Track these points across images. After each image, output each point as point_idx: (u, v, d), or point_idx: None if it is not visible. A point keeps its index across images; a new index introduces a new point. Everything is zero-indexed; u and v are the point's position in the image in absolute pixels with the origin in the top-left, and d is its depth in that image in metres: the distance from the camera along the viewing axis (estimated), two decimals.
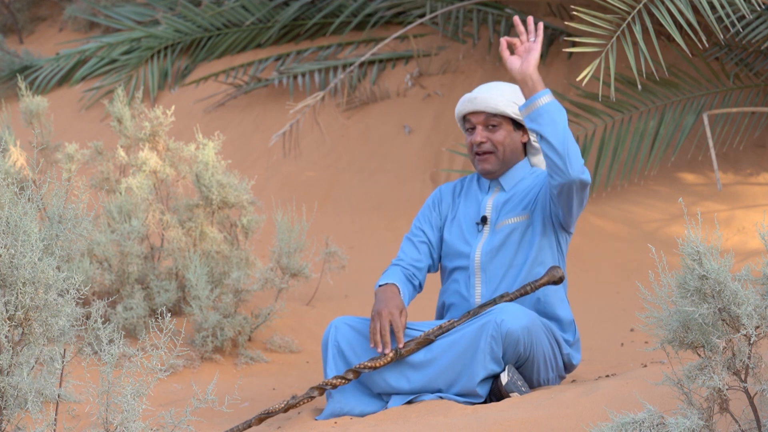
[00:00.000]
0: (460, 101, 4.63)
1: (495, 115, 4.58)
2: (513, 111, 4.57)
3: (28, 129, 6.72)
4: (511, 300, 4.49)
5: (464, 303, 4.61)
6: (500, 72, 8.89)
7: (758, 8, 6.36)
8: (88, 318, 3.59)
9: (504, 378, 4.35)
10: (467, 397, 4.40)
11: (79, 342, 3.76)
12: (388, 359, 4.44)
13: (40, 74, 10.25)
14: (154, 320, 5.70)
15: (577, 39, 6.32)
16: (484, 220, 4.63)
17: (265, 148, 8.94)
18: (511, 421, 3.89)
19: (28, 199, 3.57)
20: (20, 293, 3.46)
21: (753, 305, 3.38)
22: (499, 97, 4.57)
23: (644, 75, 6.80)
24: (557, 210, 4.50)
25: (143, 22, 10.48)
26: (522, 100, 4.55)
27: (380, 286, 4.61)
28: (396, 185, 8.38)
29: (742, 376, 3.43)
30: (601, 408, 3.86)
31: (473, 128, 4.61)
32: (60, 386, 3.57)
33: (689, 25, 6.36)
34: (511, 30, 9.04)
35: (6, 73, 10.33)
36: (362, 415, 4.46)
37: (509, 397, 4.34)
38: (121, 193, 6.03)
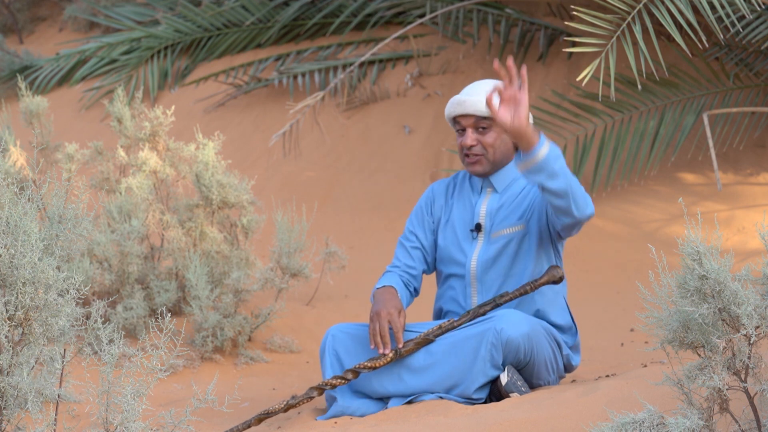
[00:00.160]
0: (449, 103, 4.58)
1: (485, 118, 4.53)
2: None
3: (28, 129, 6.72)
4: (511, 299, 4.48)
5: (461, 311, 4.60)
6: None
7: (758, 8, 6.36)
8: (88, 318, 3.59)
9: (504, 378, 4.36)
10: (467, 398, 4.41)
11: (79, 342, 3.76)
12: (388, 359, 4.44)
13: (40, 74, 10.25)
14: (154, 320, 5.70)
15: (577, 39, 6.32)
16: (478, 227, 4.60)
17: (265, 148, 8.94)
18: (511, 421, 3.90)
19: (28, 199, 3.57)
20: (20, 293, 3.46)
21: (753, 305, 3.38)
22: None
23: (644, 75, 6.80)
24: (556, 225, 4.49)
25: (143, 22, 10.48)
26: None
27: (378, 289, 4.60)
28: (396, 185, 8.38)
29: (742, 376, 3.43)
30: (601, 408, 3.86)
31: (463, 130, 4.56)
32: (60, 386, 3.57)
33: (689, 25, 6.37)
34: (510, 30, 9.04)
35: (6, 73, 10.33)
36: (363, 416, 4.46)
37: (509, 397, 4.34)
38: (121, 193, 6.03)
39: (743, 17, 7.21)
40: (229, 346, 5.74)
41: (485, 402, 4.39)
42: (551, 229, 4.52)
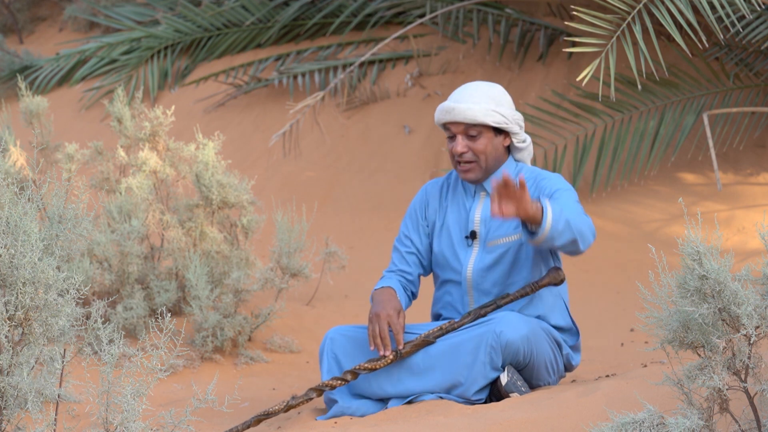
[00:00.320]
0: (438, 109, 4.53)
1: (474, 125, 4.48)
2: (492, 120, 4.46)
3: (28, 129, 6.72)
4: (512, 300, 4.48)
5: (458, 317, 4.59)
6: (500, 72, 8.89)
7: (758, 8, 6.36)
8: (88, 318, 3.59)
9: (504, 378, 4.35)
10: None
11: (79, 342, 3.76)
12: (388, 361, 4.44)
13: (40, 74, 10.25)
14: (154, 320, 5.70)
15: (577, 39, 6.32)
16: (473, 234, 4.59)
17: (265, 148, 8.94)
18: (511, 421, 3.90)
19: (28, 199, 3.57)
20: (20, 293, 3.46)
21: (753, 305, 3.38)
22: (476, 107, 4.45)
23: (644, 75, 6.79)
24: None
25: (143, 22, 10.48)
26: (501, 108, 4.48)
27: (376, 290, 4.59)
28: (396, 185, 8.38)
29: (742, 376, 3.43)
30: (601, 408, 3.86)
31: (453, 136, 4.51)
32: (60, 386, 3.57)
33: (689, 25, 6.37)
34: (510, 30, 9.04)
35: (6, 73, 10.33)
36: (363, 416, 4.46)
37: (509, 397, 4.34)
38: (121, 193, 6.03)
39: (743, 17, 7.21)
40: (229, 346, 5.74)
41: (485, 402, 4.39)
42: None
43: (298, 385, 5.42)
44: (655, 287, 3.52)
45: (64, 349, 3.60)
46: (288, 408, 4.43)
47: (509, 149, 4.60)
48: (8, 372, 3.46)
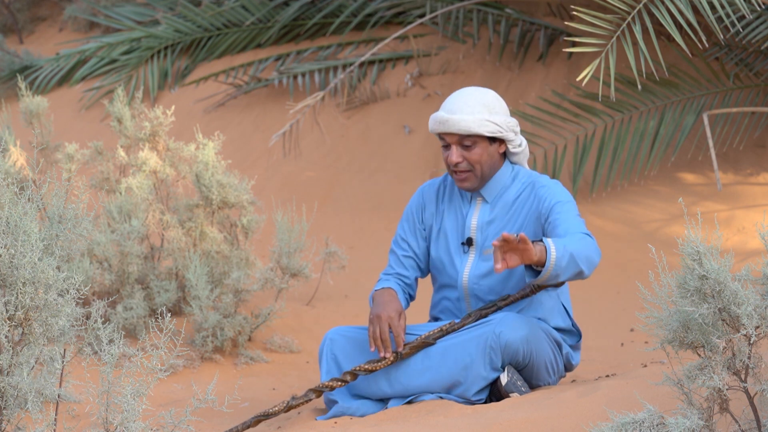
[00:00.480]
0: (431, 119, 4.50)
1: (469, 135, 4.46)
2: (487, 130, 4.44)
3: (28, 129, 6.72)
4: (513, 302, 4.48)
5: (457, 320, 4.58)
6: (500, 72, 8.89)
7: (758, 8, 6.36)
8: (88, 318, 3.59)
9: (504, 378, 4.35)
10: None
11: (79, 342, 3.76)
12: (388, 362, 4.44)
13: (40, 74, 10.25)
14: (154, 320, 5.70)
15: (577, 39, 6.32)
16: (469, 241, 4.58)
17: (265, 148, 8.94)
18: (511, 421, 3.90)
19: (28, 199, 3.57)
20: (20, 293, 3.46)
21: (753, 305, 3.38)
22: (470, 117, 4.43)
23: (644, 75, 6.79)
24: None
25: (143, 22, 10.48)
26: (495, 117, 4.47)
27: (376, 291, 4.58)
28: (396, 185, 8.38)
29: (742, 376, 3.43)
30: (601, 408, 3.86)
31: (448, 145, 4.49)
32: (60, 386, 3.57)
33: (689, 25, 6.37)
34: (510, 30, 9.04)
35: (6, 73, 10.33)
36: (363, 416, 4.46)
37: (509, 397, 4.34)
38: (121, 193, 6.03)
39: (743, 17, 7.21)
40: (229, 346, 5.74)
41: (485, 402, 4.39)
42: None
43: (298, 385, 5.42)
44: (655, 287, 3.52)
45: (64, 349, 3.60)
46: (288, 408, 4.43)
47: (505, 154, 4.58)
48: (8, 372, 3.46)
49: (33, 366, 3.50)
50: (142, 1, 10.81)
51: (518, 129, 4.54)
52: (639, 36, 6.08)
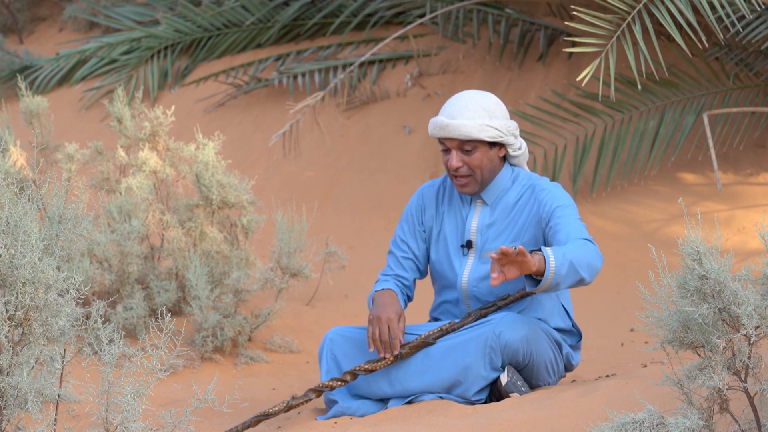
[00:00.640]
0: (431, 124, 4.50)
1: (469, 141, 4.46)
2: (487, 135, 4.43)
3: (28, 129, 6.72)
4: (512, 302, 4.48)
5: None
6: (500, 72, 8.89)
7: (758, 8, 6.36)
8: (88, 318, 3.59)
9: (504, 378, 4.36)
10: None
11: (79, 342, 3.76)
12: (387, 362, 4.44)
13: (40, 74, 10.25)
14: (154, 320, 5.70)
15: (577, 39, 6.32)
16: (469, 244, 4.58)
17: (265, 148, 8.94)
18: (511, 421, 3.90)
19: (28, 199, 3.57)
20: (20, 293, 3.46)
21: (753, 305, 3.38)
22: (470, 123, 4.42)
23: (644, 75, 6.79)
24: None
25: (143, 22, 10.48)
26: (495, 121, 4.47)
27: (376, 292, 4.58)
28: (396, 185, 8.38)
29: (742, 376, 3.43)
30: (601, 408, 3.86)
31: (448, 150, 4.49)
32: (60, 386, 3.57)
33: (689, 25, 6.37)
34: (510, 30, 9.04)
35: (6, 73, 10.33)
36: (363, 416, 4.46)
37: (509, 397, 4.34)
38: (121, 193, 6.03)
39: (743, 17, 7.21)
40: (229, 346, 5.74)
41: (485, 402, 4.39)
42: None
43: (298, 385, 5.42)
44: (655, 287, 3.52)
45: (64, 349, 3.60)
46: (288, 408, 4.43)
47: (504, 157, 4.58)
48: (8, 372, 3.46)
49: (33, 366, 3.50)
50: (142, 1, 10.81)
51: (518, 132, 4.53)
52: (639, 36, 6.08)
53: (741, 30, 7.32)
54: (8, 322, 3.46)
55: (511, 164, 4.58)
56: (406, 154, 8.62)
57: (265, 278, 5.89)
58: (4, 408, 3.46)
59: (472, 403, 4.36)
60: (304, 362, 5.83)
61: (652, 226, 7.46)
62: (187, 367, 5.60)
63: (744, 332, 3.37)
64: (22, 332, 3.50)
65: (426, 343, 4.45)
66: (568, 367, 4.63)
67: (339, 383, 4.44)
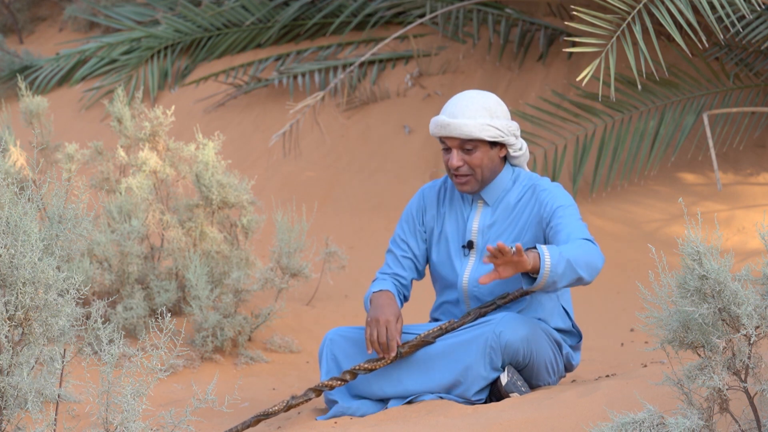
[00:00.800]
0: (432, 123, 4.50)
1: (470, 140, 4.46)
2: (488, 135, 4.44)
3: (28, 129, 6.72)
4: (512, 300, 4.47)
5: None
6: (500, 72, 8.89)
7: (758, 8, 6.36)
8: (88, 318, 3.59)
9: (504, 378, 4.35)
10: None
11: (79, 342, 3.76)
12: (387, 361, 4.43)
13: (40, 74, 10.25)
14: (154, 320, 5.70)
15: (577, 39, 6.32)
16: (470, 244, 4.58)
17: (265, 148, 8.94)
18: (511, 421, 3.89)
19: (28, 199, 3.57)
20: (20, 293, 3.46)
21: (753, 305, 3.38)
22: (471, 122, 4.43)
23: (644, 75, 6.79)
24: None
25: (143, 22, 10.48)
26: (496, 121, 4.47)
27: (374, 293, 4.58)
28: (396, 185, 8.38)
29: (742, 376, 3.43)
30: (601, 408, 3.86)
31: (449, 149, 4.49)
32: (60, 386, 3.57)
33: (689, 25, 6.37)
34: (510, 30, 9.04)
35: (6, 73, 10.33)
36: (363, 416, 4.46)
37: (509, 397, 4.34)
38: (121, 193, 6.03)
39: (743, 17, 7.21)
40: (229, 346, 5.74)
41: (485, 402, 4.39)
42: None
43: (298, 385, 5.42)
44: (655, 287, 3.52)
45: (64, 349, 3.60)
46: (288, 408, 4.43)
47: (505, 157, 4.58)
48: (8, 372, 3.46)
49: (33, 366, 3.50)
50: (142, 1, 10.81)
51: (519, 133, 4.53)
52: (639, 36, 6.08)
53: (741, 30, 7.32)
54: (8, 322, 3.46)
55: (511, 165, 4.58)
56: (406, 154, 8.62)
57: (265, 278, 5.89)
58: (4, 408, 3.46)
59: (472, 403, 4.36)
60: (304, 362, 5.83)
61: (652, 226, 7.46)
62: (187, 367, 5.60)
63: (744, 332, 3.37)
64: (22, 332, 3.50)
65: (425, 342, 4.45)
66: (568, 368, 4.63)
67: (339, 382, 4.44)
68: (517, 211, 4.51)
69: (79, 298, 3.55)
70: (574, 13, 6.18)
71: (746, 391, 3.43)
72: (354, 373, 4.43)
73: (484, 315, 4.46)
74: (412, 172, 8.45)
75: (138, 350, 5.38)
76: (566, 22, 6.80)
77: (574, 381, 4.76)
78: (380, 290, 4.55)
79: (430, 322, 4.71)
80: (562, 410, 3.92)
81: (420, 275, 4.69)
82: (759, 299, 3.39)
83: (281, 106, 9.22)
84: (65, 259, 3.72)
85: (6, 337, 3.45)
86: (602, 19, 6.12)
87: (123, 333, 5.09)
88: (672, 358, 3.53)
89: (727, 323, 3.42)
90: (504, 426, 3.87)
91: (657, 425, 3.40)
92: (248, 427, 4.38)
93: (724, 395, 3.43)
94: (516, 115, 7.89)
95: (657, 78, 7.61)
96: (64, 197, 3.76)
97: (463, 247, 4.55)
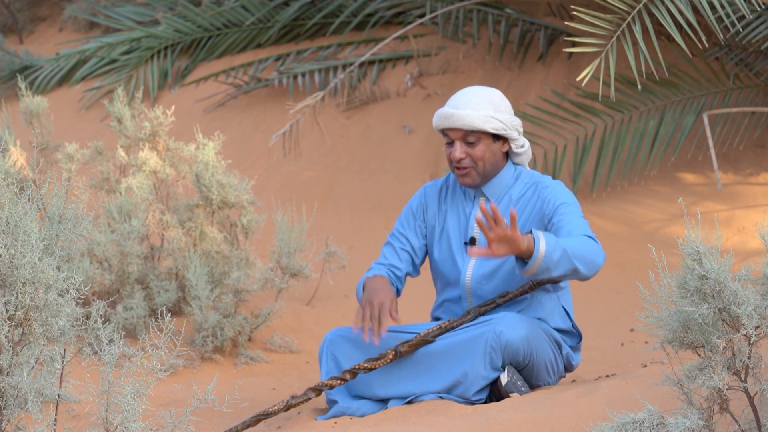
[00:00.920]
0: (436, 115, 4.51)
1: (473, 132, 4.46)
2: (491, 126, 4.44)
3: (28, 129, 6.72)
4: (511, 299, 4.47)
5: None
6: (500, 72, 8.89)
7: (758, 8, 6.36)
8: (88, 318, 3.59)
9: (504, 378, 4.35)
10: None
11: (79, 342, 3.76)
12: (387, 360, 4.43)
13: (40, 74, 10.25)
14: (154, 320, 5.70)
15: (577, 39, 6.32)
16: (472, 241, 4.57)
17: (265, 148, 8.94)
18: (511, 421, 3.89)
19: (28, 199, 3.57)
20: (20, 293, 3.46)
21: (753, 305, 3.38)
22: (474, 113, 4.43)
23: (644, 75, 6.79)
24: None
25: (143, 22, 10.48)
26: (499, 114, 4.48)
27: (368, 278, 4.55)
28: (396, 185, 8.38)
29: (742, 376, 3.43)
30: (601, 408, 3.86)
31: (452, 142, 4.50)
32: (60, 386, 3.57)
33: (689, 25, 6.37)
34: (510, 30, 9.04)
35: (6, 73, 10.33)
36: (363, 416, 4.46)
37: (509, 397, 4.34)
38: (121, 193, 6.03)
39: (743, 17, 7.21)
40: (229, 346, 5.74)
41: (485, 402, 4.39)
42: None
43: (298, 385, 5.42)
44: (655, 287, 3.52)
45: (64, 349, 3.60)
46: (288, 408, 4.42)
47: (507, 154, 4.58)
48: (8, 372, 3.46)
49: (33, 366, 3.50)
50: (142, 1, 10.81)
51: (522, 129, 4.54)
52: (639, 36, 6.08)
53: (741, 30, 7.32)
54: (8, 322, 3.46)
55: (514, 163, 4.59)
56: (406, 154, 8.63)
57: (265, 278, 5.89)
58: (4, 408, 3.46)
59: (472, 403, 4.36)
60: (304, 362, 5.83)
61: (652, 226, 7.47)
62: (187, 367, 5.60)
63: (744, 332, 3.37)
64: (22, 332, 3.50)
65: (425, 341, 4.44)
66: (568, 368, 4.63)
67: (338, 382, 4.44)
68: (519, 208, 4.51)
69: (79, 298, 3.55)
70: (574, 13, 6.18)
71: (746, 391, 3.43)
72: (354, 373, 4.43)
73: (483, 314, 4.46)
74: (412, 172, 8.45)
75: (138, 350, 5.38)
76: (566, 22, 6.80)
77: (574, 381, 4.76)
78: (374, 275, 4.53)
79: (431, 321, 4.70)
80: (562, 410, 3.92)
81: (415, 270, 4.67)
82: (759, 299, 3.39)
83: (281, 106, 9.22)
84: (65, 259, 3.72)
85: (6, 337, 3.45)
86: (602, 19, 6.12)
87: (123, 333, 5.08)
88: (672, 358, 3.53)
89: (727, 323, 3.42)
90: (504, 426, 3.87)
91: (657, 425, 3.40)
92: (248, 427, 4.38)
93: (724, 395, 3.43)
94: (516, 115, 7.88)
95: (657, 78, 7.62)
96: (64, 197, 3.76)
97: (466, 243, 4.55)
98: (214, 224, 6.07)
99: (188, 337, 5.69)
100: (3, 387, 3.44)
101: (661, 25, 6.60)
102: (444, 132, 4.51)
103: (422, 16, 9.28)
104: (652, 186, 7.76)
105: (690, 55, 7.81)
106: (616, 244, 7.32)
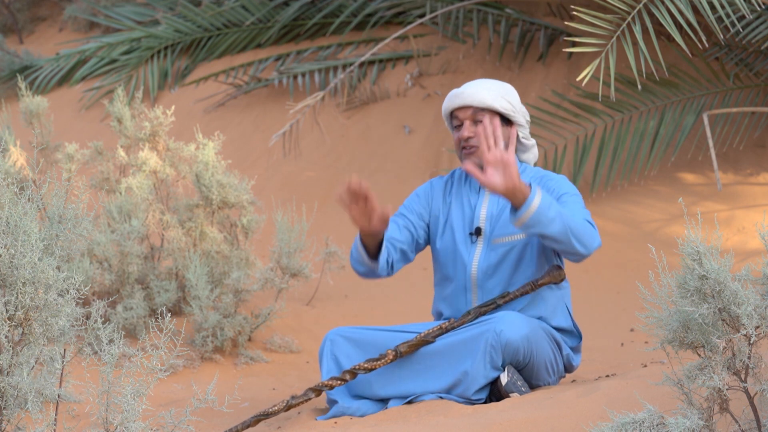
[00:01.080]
0: (447, 97, 4.54)
1: (483, 110, 4.49)
2: (501, 105, 4.48)
3: (28, 129, 6.72)
4: (512, 299, 4.47)
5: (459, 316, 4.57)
6: (500, 72, 8.89)
7: (758, 8, 6.36)
8: (88, 318, 3.59)
9: (504, 378, 4.35)
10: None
11: (79, 342, 3.76)
12: (387, 360, 4.43)
13: (40, 74, 10.25)
14: (154, 320, 5.70)
15: (577, 39, 6.32)
16: (478, 231, 4.58)
17: (265, 148, 8.94)
18: (511, 421, 3.89)
19: (28, 199, 3.57)
20: (20, 293, 3.46)
21: (753, 305, 3.38)
22: (486, 92, 4.48)
23: (644, 75, 6.79)
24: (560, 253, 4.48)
25: (143, 22, 10.48)
26: (509, 98, 4.50)
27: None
28: (396, 185, 8.38)
29: (742, 376, 3.43)
30: (601, 408, 3.86)
31: (460, 125, 4.52)
32: (60, 386, 3.57)
33: (689, 25, 6.37)
34: (511, 30, 9.04)
35: (6, 73, 10.33)
36: (363, 416, 4.46)
37: (509, 397, 4.34)
38: (121, 193, 6.03)
39: (743, 17, 7.21)
40: (229, 346, 5.74)
41: (485, 402, 4.39)
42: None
43: (298, 385, 5.42)
44: (655, 287, 3.52)
45: (64, 349, 3.60)
46: (288, 408, 4.42)
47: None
48: (8, 372, 3.46)
49: (33, 366, 3.50)
50: (142, 1, 10.81)
51: (529, 119, 4.57)
52: (639, 36, 6.08)
53: (741, 30, 7.32)
54: (8, 322, 3.46)
55: (520, 160, 4.61)
56: (406, 154, 8.63)
57: (265, 278, 5.89)
58: (4, 408, 3.46)
59: (472, 402, 4.36)
60: (304, 362, 5.83)
61: (652, 226, 7.47)
62: (187, 367, 5.60)
63: (744, 332, 3.37)
64: (22, 332, 3.50)
65: (425, 341, 4.44)
66: (569, 369, 4.62)
67: (338, 382, 4.44)
68: None
69: (79, 298, 3.55)
70: (574, 13, 6.18)
71: (746, 391, 3.43)
72: (354, 373, 4.43)
73: (484, 314, 4.46)
74: (412, 172, 8.45)
75: (138, 350, 5.38)
76: (566, 22, 6.80)
77: (574, 381, 4.76)
78: None
79: (433, 314, 4.70)
80: (562, 410, 3.92)
81: (412, 249, 4.61)
82: (759, 299, 3.39)
83: (281, 106, 9.22)
84: (65, 259, 3.72)
85: (6, 337, 3.45)
86: (602, 19, 6.13)
87: (123, 333, 5.09)
88: (672, 358, 3.53)
89: (727, 323, 3.42)
90: (504, 426, 3.87)
91: (657, 425, 3.40)
92: (248, 427, 4.38)
93: (724, 395, 3.43)
94: None
95: (657, 78, 7.62)
96: (64, 197, 3.76)
97: (471, 234, 4.55)
98: (214, 224, 6.07)
99: (188, 337, 5.69)
100: (3, 387, 3.44)
101: (661, 25, 6.60)
102: (453, 115, 4.53)
103: (422, 16, 9.28)
104: (652, 186, 7.76)
105: (690, 55, 7.81)
106: (616, 244, 7.32)
